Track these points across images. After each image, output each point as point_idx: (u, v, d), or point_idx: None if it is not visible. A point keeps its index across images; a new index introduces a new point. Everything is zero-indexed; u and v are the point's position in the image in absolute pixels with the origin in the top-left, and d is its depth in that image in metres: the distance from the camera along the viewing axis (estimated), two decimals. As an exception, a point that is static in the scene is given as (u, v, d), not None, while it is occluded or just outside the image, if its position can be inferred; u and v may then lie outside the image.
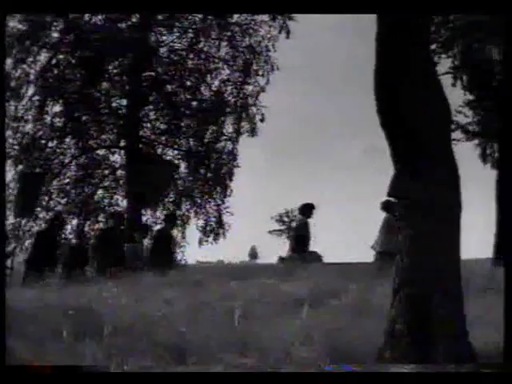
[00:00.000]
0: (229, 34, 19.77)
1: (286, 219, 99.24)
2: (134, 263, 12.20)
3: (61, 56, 19.13)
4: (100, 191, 20.61)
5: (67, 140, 19.89)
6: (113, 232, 12.79)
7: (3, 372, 3.69)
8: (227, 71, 20.32)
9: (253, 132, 20.17)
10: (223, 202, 20.44)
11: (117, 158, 20.57)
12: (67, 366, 3.84)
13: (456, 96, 16.20)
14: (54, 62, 19.13)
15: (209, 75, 20.27)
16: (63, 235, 18.01)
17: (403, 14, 4.07)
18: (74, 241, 17.70)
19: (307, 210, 11.84)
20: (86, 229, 19.69)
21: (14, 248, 17.68)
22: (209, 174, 20.13)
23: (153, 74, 19.84)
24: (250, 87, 20.13)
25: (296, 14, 17.96)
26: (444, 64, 16.57)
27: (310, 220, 11.82)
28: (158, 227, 17.09)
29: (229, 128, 20.46)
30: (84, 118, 19.83)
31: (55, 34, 18.98)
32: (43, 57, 19.08)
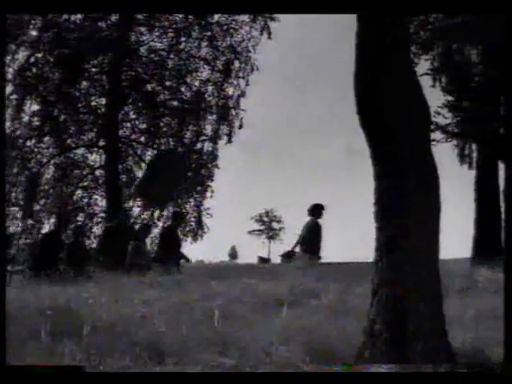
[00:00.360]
0: (209, 34, 19.75)
1: (265, 219, 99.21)
2: (138, 261, 12.26)
3: (39, 54, 18.99)
4: (79, 191, 20.49)
5: (45, 139, 19.75)
6: (118, 229, 12.91)
7: (3, 372, 3.68)
8: (207, 71, 20.31)
9: (230, 137, 20.17)
10: (201, 204, 20.43)
11: (96, 157, 20.48)
12: (67, 366, 3.84)
13: (435, 97, 16.34)
14: (32, 60, 18.98)
15: (189, 75, 20.23)
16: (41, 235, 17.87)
17: (396, 13, 4.09)
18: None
19: (317, 210, 11.84)
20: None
21: None
22: (189, 175, 20.10)
23: (132, 73, 19.76)
24: (231, 89, 20.15)
25: (277, 13, 18.02)
26: (423, 65, 16.71)
27: (320, 220, 11.84)
28: (164, 225, 17.08)
29: (209, 129, 20.46)
30: (62, 117, 19.70)
31: (33, 32, 18.85)
32: (21, 55, 18.93)
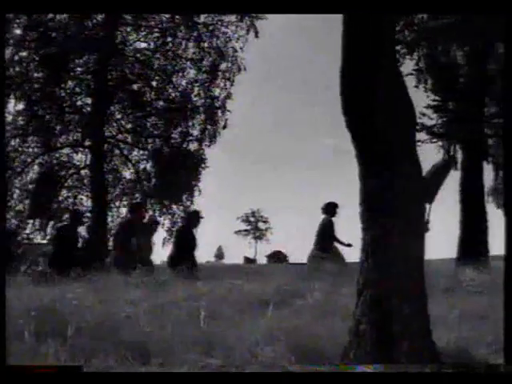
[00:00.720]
0: (195, 34, 19.72)
1: (251, 219, 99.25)
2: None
3: (24, 53, 18.87)
4: (64, 191, 20.39)
5: (30, 139, 19.63)
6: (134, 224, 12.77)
7: (3, 372, 3.68)
8: (194, 72, 20.28)
9: (213, 138, 20.17)
10: (189, 205, 20.39)
11: (81, 157, 20.39)
12: (67, 366, 3.84)
13: (418, 97, 16.41)
14: (16, 58, 18.86)
15: (175, 75, 20.19)
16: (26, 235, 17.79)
17: (389, 13, 4.10)
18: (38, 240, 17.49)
19: (331, 208, 11.89)
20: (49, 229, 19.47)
21: None
22: (175, 176, 20.06)
23: (118, 73, 19.69)
24: (217, 89, 20.14)
25: (263, 13, 18.04)
26: (407, 65, 16.77)
27: (334, 219, 11.87)
28: (180, 224, 16.57)
29: (195, 129, 20.44)
30: (47, 116, 19.59)
31: (18, 31, 18.74)
32: (5, 54, 18.79)
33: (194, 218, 12.59)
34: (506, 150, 4.24)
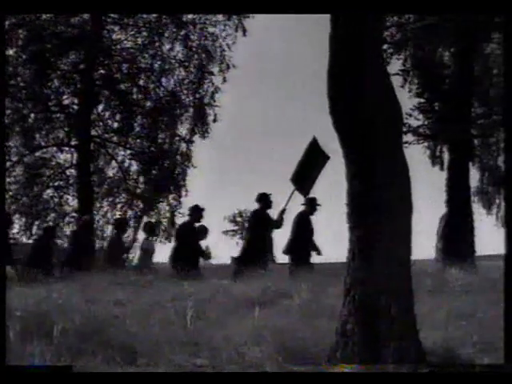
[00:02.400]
0: (183, 33, 19.69)
1: (238, 219, 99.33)
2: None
3: (10, 51, 18.74)
4: (49, 190, 20.27)
5: (15, 138, 19.49)
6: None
7: (3, 372, 3.67)
8: (181, 70, 20.24)
9: (205, 133, 20.17)
10: (176, 204, 20.35)
11: (67, 156, 20.28)
12: (67, 366, 3.82)
13: (404, 97, 16.44)
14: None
15: (163, 74, 20.15)
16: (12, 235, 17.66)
17: (384, 12, 4.11)
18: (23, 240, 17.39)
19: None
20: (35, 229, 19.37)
21: None
22: (162, 175, 20.01)
23: (105, 72, 19.61)
24: (205, 86, 20.11)
25: (251, 13, 18.05)
26: (394, 65, 16.81)
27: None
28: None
29: (183, 128, 20.40)
30: (33, 115, 19.47)
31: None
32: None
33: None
34: (506, 150, 4.26)
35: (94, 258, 12.98)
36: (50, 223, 18.99)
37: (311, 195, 11.44)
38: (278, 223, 11.34)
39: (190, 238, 11.78)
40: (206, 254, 12.93)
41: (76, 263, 11.07)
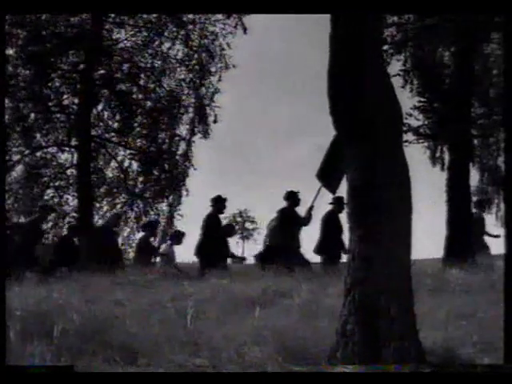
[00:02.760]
0: (183, 32, 19.68)
1: (238, 219, 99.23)
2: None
3: (10, 51, 18.74)
4: (49, 190, 20.26)
5: (15, 138, 19.49)
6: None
7: (3, 372, 3.67)
8: (182, 71, 20.22)
9: (205, 134, 20.16)
10: (176, 204, 20.33)
11: (67, 156, 20.26)
12: (67, 366, 3.83)
13: (405, 98, 16.44)
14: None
15: (163, 74, 20.13)
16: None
17: (385, 13, 4.12)
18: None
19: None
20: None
21: None
22: (162, 175, 19.99)
23: (105, 71, 19.60)
24: (206, 86, 20.09)
25: (250, 13, 18.03)
26: (394, 65, 16.80)
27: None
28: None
29: (183, 128, 20.38)
30: (33, 115, 19.46)
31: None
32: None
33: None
34: (506, 150, 4.26)
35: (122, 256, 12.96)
36: (50, 223, 18.98)
37: (338, 194, 11.22)
38: (306, 220, 11.33)
39: (214, 229, 11.70)
40: (240, 258, 12.89)
41: (107, 259, 10.64)
